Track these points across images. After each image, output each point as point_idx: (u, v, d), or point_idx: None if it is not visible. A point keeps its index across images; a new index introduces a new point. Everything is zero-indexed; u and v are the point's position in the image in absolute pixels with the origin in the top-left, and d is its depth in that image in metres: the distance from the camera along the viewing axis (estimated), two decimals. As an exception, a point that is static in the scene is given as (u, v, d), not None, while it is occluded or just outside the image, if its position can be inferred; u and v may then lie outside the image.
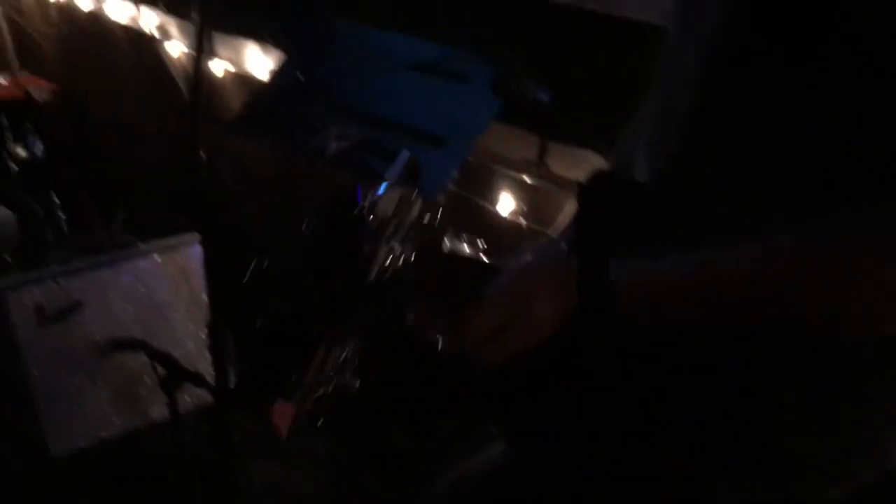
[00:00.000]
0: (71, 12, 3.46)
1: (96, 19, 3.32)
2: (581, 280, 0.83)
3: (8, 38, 3.53)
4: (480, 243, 1.02)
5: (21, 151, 3.39)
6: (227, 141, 2.41)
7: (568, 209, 1.87)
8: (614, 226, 1.01)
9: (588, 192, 1.12)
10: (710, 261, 0.79)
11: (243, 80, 2.57)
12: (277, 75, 2.06)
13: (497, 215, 2.00)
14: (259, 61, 2.54)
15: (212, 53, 2.76)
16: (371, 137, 1.79)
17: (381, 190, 1.10)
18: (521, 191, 1.94)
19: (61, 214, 3.33)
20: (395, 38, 1.91)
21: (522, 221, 1.95)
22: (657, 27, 1.56)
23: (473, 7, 1.92)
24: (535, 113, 1.80)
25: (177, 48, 2.92)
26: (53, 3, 3.55)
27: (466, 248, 1.02)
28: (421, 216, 1.10)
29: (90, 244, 2.51)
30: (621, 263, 0.83)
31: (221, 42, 2.72)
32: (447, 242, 1.01)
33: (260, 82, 2.52)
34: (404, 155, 1.74)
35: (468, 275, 0.95)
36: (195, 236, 2.49)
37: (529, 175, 1.91)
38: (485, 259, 1.01)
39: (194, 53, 1.54)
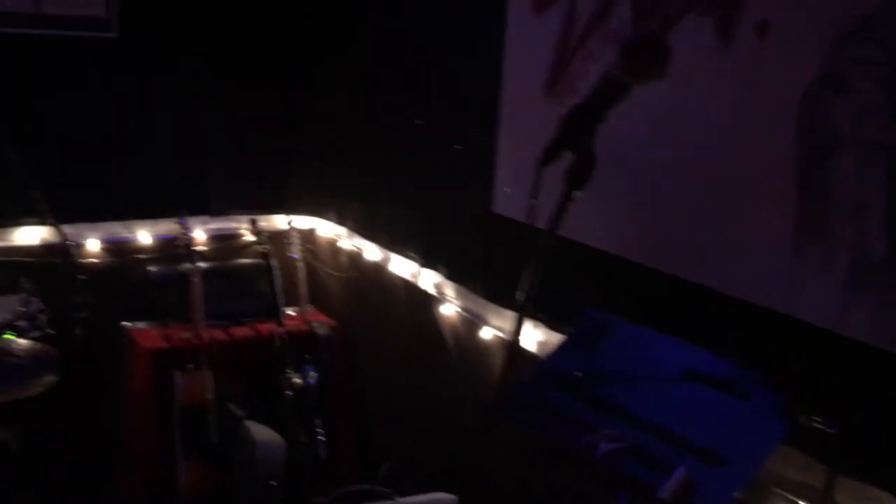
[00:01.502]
0: (359, 261, 3.86)
1: (380, 270, 3.67)
2: None
3: (303, 277, 3.98)
4: None
5: (297, 380, 3.69)
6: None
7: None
8: None
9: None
10: None
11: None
12: (553, 364, 2.12)
13: (771, 538, 1.88)
14: (529, 335, 2.66)
15: (481, 321, 2.94)
16: (644, 444, 1.78)
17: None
18: (800, 518, 1.82)
19: (323, 445, 3.55)
20: (674, 342, 1.93)
21: (800, 550, 1.82)
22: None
23: (754, 328, 1.91)
24: (823, 442, 1.71)
25: (450, 309, 3.14)
26: (346, 251, 3.99)
27: None
28: None
29: (351, 492, 2.63)
30: None
31: (492, 311, 2.90)
32: None
33: (529, 354, 2.61)
34: (680, 471, 1.71)
35: None
36: (450, 498, 2.53)
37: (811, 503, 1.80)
38: None
39: (509, 338, 1.64)
